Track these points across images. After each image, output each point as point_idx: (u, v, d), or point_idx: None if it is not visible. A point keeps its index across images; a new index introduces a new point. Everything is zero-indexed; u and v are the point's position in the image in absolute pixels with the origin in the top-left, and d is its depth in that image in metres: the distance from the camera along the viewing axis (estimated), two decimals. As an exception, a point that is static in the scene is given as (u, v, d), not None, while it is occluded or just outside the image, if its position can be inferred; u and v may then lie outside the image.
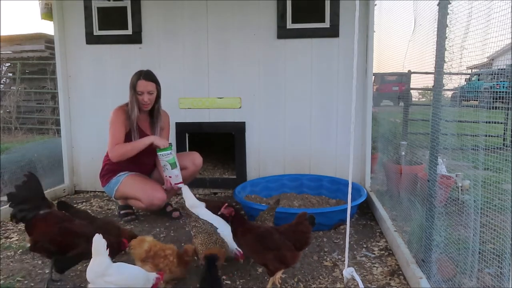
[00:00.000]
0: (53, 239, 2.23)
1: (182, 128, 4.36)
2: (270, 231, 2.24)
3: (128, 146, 3.28)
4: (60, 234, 2.26)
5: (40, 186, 2.46)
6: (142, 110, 3.40)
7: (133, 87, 3.30)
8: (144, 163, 3.52)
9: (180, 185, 3.40)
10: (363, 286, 2.09)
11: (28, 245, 2.98)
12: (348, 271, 2.17)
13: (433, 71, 2.32)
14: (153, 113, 3.47)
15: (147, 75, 3.33)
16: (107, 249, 2.01)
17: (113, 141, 3.29)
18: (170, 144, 3.39)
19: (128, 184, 3.39)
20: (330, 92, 4.20)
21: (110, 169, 3.46)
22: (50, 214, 2.36)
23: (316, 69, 4.20)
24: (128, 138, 3.35)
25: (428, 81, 3.07)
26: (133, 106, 3.33)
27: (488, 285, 1.95)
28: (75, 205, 4.02)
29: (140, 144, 3.28)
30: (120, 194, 3.44)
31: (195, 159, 3.66)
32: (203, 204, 2.92)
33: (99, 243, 1.99)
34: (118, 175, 3.44)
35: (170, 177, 3.36)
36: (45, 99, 10.28)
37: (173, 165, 3.35)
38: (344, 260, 2.71)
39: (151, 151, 3.44)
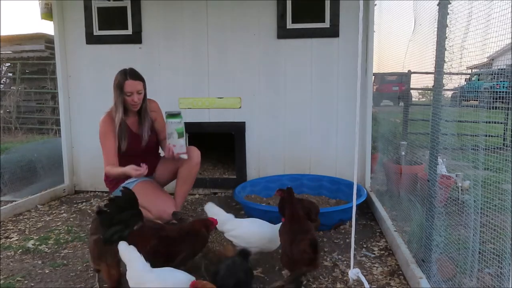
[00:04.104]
0: (156, 251, 2.18)
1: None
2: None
3: (117, 171, 3.07)
4: (162, 245, 2.20)
5: (135, 200, 2.36)
6: (130, 111, 3.23)
7: (120, 88, 3.09)
8: (144, 158, 3.44)
9: (182, 156, 3.23)
10: (368, 287, 2.09)
11: (29, 245, 3.00)
12: (354, 272, 2.17)
13: (433, 71, 2.32)
14: (141, 112, 3.30)
15: (133, 74, 3.13)
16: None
17: (107, 158, 3.14)
18: (180, 113, 3.21)
19: (139, 193, 3.20)
20: (330, 92, 4.20)
21: None
22: (144, 228, 2.29)
23: (316, 69, 4.20)
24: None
25: (428, 81, 3.07)
26: (118, 108, 3.12)
27: (488, 285, 1.95)
28: (74, 205, 4.05)
29: (123, 173, 3.05)
30: None
31: (193, 155, 3.35)
32: (231, 216, 2.72)
33: (127, 250, 1.97)
34: (127, 182, 3.28)
35: (174, 146, 3.18)
36: (45, 99, 10.29)
37: (180, 134, 3.19)
38: (344, 260, 2.72)
39: (155, 151, 3.40)
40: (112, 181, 3.35)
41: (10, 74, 10.85)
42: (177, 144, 3.19)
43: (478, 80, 2.90)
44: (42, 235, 3.24)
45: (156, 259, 2.16)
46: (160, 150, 3.51)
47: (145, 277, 1.93)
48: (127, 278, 1.98)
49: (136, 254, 2.00)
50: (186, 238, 2.31)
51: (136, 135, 3.29)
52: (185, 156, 3.23)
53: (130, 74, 3.13)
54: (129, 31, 4.31)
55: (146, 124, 3.31)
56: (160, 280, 1.92)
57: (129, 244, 2.10)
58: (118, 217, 2.25)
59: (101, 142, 3.20)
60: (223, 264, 2.10)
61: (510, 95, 1.78)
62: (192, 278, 1.96)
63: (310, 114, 4.26)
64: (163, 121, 3.46)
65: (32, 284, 2.45)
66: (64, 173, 4.53)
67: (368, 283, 2.38)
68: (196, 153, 3.39)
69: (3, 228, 3.41)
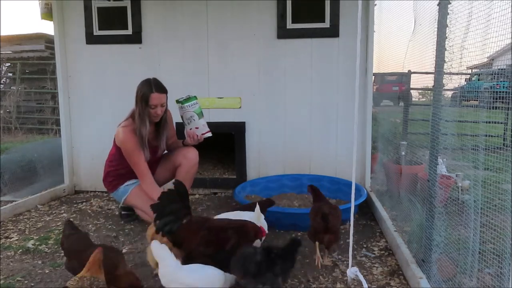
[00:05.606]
0: (208, 240, 2.24)
1: (182, 128, 4.35)
2: None
3: (155, 196, 2.69)
4: (211, 234, 2.28)
5: (186, 194, 2.41)
6: (149, 121, 3.15)
7: (145, 101, 2.99)
8: (151, 167, 3.44)
9: (207, 134, 3.23)
10: (366, 286, 2.09)
11: (28, 245, 3.00)
12: (352, 271, 2.17)
13: (433, 71, 2.32)
14: (160, 123, 3.22)
15: (159, 87, 3.04)
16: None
17: (144, 177, 3.09)
18: (191, 96, 3.21)
19: (137, 196, 3.24)
20: (330, 92, 4.20)
21: (116, 174, 3.29)
22: (191, 221, 2.36)
23: (316, 69, 4.20)
24: None
25: (428, 81, 3.07)
26: (144, 121, 3.03)
27: (488, 285, 1.95)
28: (74, 205, 4.05)
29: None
30: (128, 203, 3.36)
31: (190, 156, 3.34)
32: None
33: (159, 248, 2.04)
34: (126, 183, 3.29)
35: (197, 128, 3.18)
36: (45, 99, 10.29)
37: (200, 114, 3.18)
38: (344, 260, 2.72)
39: (161, 157, 3.39)
40: (112, 182, 3.35)
41: (10, 74, 10.85)
42: (199, 125, 3.19)
43: (478, 80, 2.91)
44: (42, 235, 3.24)
45: (208, 248, 2.22)
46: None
47: (177, 274, 2.00)
48: (159, 276, 2.06)
49: (167, 252, 2.06)
50: (233, 228, 2.34)
51: (153, 145, 3.24)
52: (209, 134, 3.24)
53: (156, 86, 3.03)
54: (129, 31, 4.31)
55: (164, 135, 3.27)
56: (192, 276, 2.00)
57: (179, 236, 2.26)
58: (169, 208, 2.33)
59: (130, 159, 3.11)
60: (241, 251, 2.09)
61: (510, 95, 1.78)
62: (222, 273, 2.05)
63: (310, 114, 4.26)
64: (173, 128, 3.46)
65: (32, 284, 2.45)
66: (64, 173, 4.53)
67: (368, 283, 2.38)
68: (194, 153, 3.37)
69: (3, 228, 3.41)
